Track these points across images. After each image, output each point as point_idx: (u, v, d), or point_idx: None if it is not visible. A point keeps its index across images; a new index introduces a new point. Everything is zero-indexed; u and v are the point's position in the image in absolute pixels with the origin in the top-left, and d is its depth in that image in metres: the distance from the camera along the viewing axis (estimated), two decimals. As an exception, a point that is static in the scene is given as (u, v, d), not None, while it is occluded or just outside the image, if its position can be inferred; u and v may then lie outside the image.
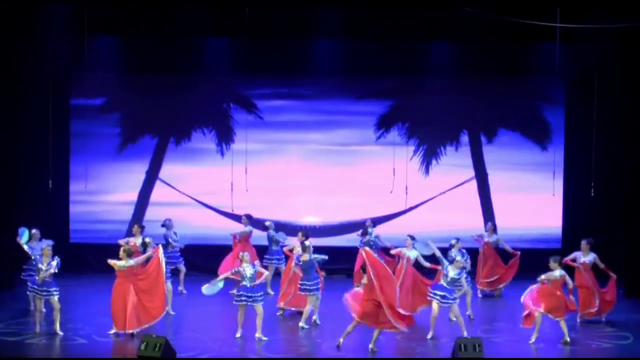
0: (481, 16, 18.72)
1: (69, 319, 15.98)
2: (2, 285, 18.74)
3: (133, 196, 21.46)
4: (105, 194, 21.39)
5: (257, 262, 16.16)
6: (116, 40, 20.82)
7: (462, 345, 13.47)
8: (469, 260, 17.19)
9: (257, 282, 15.25)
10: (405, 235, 17.40)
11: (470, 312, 17.01)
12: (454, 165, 21.50)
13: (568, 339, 15.21)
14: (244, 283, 15.19)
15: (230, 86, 21.53)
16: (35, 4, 19.51)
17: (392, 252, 17.65)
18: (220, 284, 15.47)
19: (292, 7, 19.88)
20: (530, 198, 21.30)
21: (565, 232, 21.41)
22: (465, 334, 15.09)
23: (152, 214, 21.15)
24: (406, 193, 21.16)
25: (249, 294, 15.12)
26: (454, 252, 17.00)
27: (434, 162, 21.52)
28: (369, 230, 18.95)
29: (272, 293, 18.42)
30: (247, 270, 15.17)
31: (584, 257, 16.84)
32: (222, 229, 20.22)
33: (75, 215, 21.39)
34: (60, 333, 15.27)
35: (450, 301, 15.35)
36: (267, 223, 19.22)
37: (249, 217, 19.24)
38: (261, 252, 18.89)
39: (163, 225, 18.75)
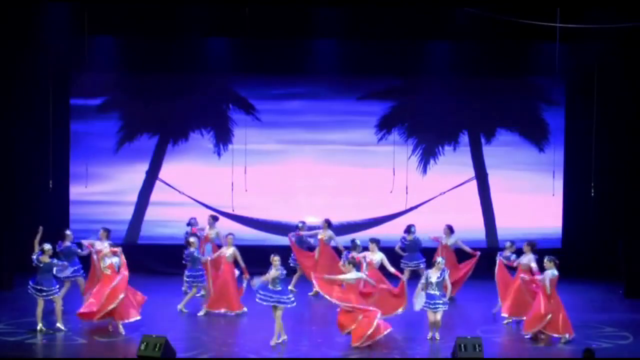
0: (481, 16, 18.74)
1: (69, 319, 15.96)
2: (2, 285, 18.74)
3: (133, 196, 21.46)
4: (105, 194, 21.39)
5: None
6: (116, 40, 20.83)
7: (462, 345, 13.47)
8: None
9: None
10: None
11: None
12: (454, 165, 21.50)
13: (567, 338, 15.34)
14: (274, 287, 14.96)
15: (230, 86, 21.53)
16: (35, 4, 19.54)
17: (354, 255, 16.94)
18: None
19: (292, 7, 19.89)
20: (530, 198, 21.30)
21: (565, 232, 21.42)
22: (437, 336, 15.17)
23: (152, 214, 21.17)
24: (406, 193, 21.16)
25: (269, 294, 14.89)
26: (508, 253, 16.90)
27: (432, 162, 21.51)
28: (412, 229, 18.74)
29: (295, 291, 18.60)
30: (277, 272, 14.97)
31: (523, 257, 16.70)
32: (222, 229, 20.15)
33: (75, 215, 21.39)
34: (63, 328, 15.48)
35: (440, 305, 15.18)
36: (299, 224, 19.22)
37: (214, 218, 19.07)
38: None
39: (188, 224, 18.65)
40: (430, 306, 15.23)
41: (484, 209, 21.53)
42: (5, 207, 19.27)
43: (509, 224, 21.21)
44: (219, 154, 21.45)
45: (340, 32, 20.34)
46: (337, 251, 18.49)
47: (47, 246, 15.74)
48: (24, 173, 20.10)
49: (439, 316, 15.21)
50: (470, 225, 20.19)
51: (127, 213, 21.36)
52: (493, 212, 21.52)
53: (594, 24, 18.43)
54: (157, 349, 13.19)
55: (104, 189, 21.37)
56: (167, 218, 19.37)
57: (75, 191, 21.29)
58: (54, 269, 15.85)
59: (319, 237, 18.95)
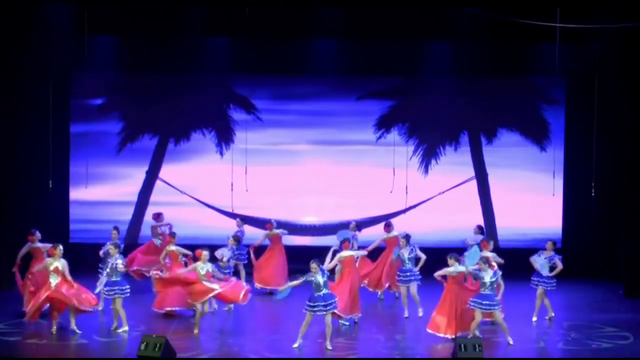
0: (481, 16, 18.74)
1: (68, 319, 15.95)
2: (2, 285, 18.73)
3: (133, 196, 21.48)
4: (105, 194, 21.41)
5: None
6: (116, 40, 20.84)
7: (462, 345, 13.49)
8: (560, 265, 16.68)
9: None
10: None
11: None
12: (454, 165, 21.53)
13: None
14: (319, 293, 14.60)
15: (230, 86, 21.56)
16: (35, 4, 19.54)
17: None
18: (288, 291, 14.95)
19: (292, 7, 19.89)
20: (530, 198, 21.32)
21: (565, 232, 21.43)
22: (509, 340, 15.00)
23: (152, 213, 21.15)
24: (406, 193, 21.18)
25: (326, 303, 14.60)
26: (546, 255, 16.75)
27: (433, 162, 21.55)
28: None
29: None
30: (319, 278, 14.63)
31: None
32: (222, 228, 20.19)
33: (75, 215, 21.40)
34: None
35: (495, 306, 14.94)
36: (351, 225, 19.00)
37: (159, 215, 19.15)
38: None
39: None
40: (484, 307, 14.93)
41: (484, 208, 21.55)
42: (5, 207, 19.26)
43: (509, 224, 21.23)
44: (221, 154, 21.47)
45: (340, 32, 20.35)
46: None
47: (116, 243, 15.74)
48: (24, 173, 20.10)
49: (480, 318, 14.98)
50: (470, 225, 20.11)
51: (127, 213, 21.37)
52: (493, 212, 21.54)
53: (594, 24, 18.42)
54: (157, 349, 13.20)
55: (104, 189, 21.38)
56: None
57: (75, 191, 21.30)
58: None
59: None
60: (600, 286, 19.95)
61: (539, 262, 16.59)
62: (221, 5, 19.95)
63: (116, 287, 15.50)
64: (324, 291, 14.61)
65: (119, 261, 15.59)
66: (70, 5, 19.72)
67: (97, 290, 15.79)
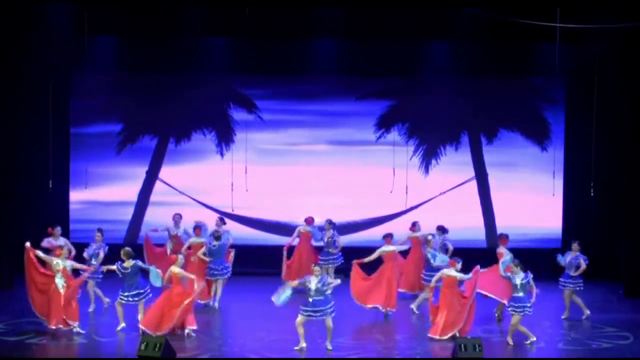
0: (481, 16, 18.75)
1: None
2: (2, 285, 18.74)
3: (133, 196, 21.47)
4: (105, 194, 21.39)
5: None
6: (116, 40, 20.84)
7: (462, 345, 13.50)
8: (583, 265, 16.94)
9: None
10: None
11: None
12: (454, 165, 21.52)
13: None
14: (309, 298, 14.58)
15: (230, 86, 21.55)
16: (35, 4, 19.54)
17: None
18: (289, 292, 14.74)
19: (292, 7, 19.90)
20: (530, 198, 21.31)
21: (565, 232, 21.42)
22: (509, 340, 15.08)
23: (152, 214, 21.16)
24: (406, 193, 21.17)
25: (315, 309, 14.53)
26: (572, 255, 16.97)
27: (433, 162, 21.54)
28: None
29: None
30: (313, 283, 14.60)
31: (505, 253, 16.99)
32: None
33: (75, 215, 21.39)
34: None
35: (527, 309, 15.02)
36: (326, 225, 19.12)
37: (178, 216, 19.18)
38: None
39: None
40: (517, 310, 15.03)
41: (484, 209, 21.54)
42: (5, 207, 19.26)
43: (509, 224, 21.20)
44: (222, 154, 21.45)
45: (340, 32, 20.36)
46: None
47: (127, 249, 15.63)
48: (24, 173, 20.09)
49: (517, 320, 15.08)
50: (470, 225, 20.20)
51: (127, 213, 21.37)
52: (493, 212, 21.53)
53: (594, 24, 18.43)
54: (157, 349, 13.21)
55: (104, 189, 21.37)
56: (167, 219, 19.35)
57: (75, 191, 21.29)
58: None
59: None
60: (600, 286, 19.94)
61: (562, 261, 17.07)
62: (221, 5, 19.97)
63: (138, 290, 15.39)
64: (317, 297, 14.53)
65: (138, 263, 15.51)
66: (70, 5, 19.73)
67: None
